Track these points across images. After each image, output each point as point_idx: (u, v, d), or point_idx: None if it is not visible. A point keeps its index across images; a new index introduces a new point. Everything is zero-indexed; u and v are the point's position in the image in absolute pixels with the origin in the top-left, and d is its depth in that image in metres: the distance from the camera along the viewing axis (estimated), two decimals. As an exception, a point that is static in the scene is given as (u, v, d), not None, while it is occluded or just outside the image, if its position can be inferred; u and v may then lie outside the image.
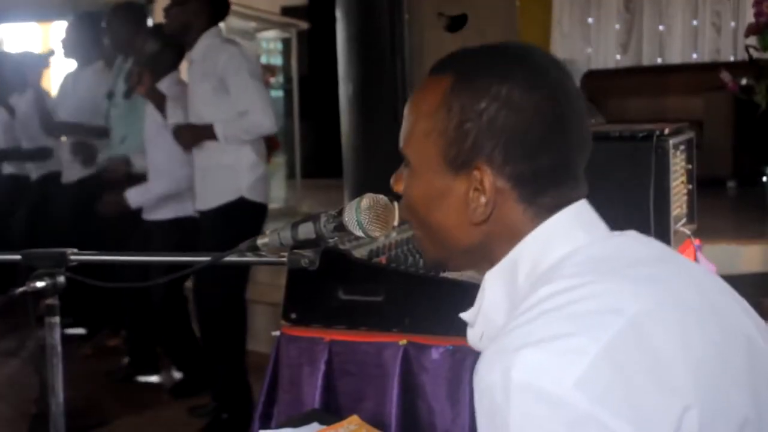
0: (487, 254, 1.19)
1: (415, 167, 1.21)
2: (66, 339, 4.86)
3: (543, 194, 1.15)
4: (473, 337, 1.24)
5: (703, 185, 2.80)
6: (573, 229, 1.15)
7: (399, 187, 1.25)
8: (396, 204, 1.54)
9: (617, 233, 1.19)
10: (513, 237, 1.16)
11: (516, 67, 1.15)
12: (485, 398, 1.01)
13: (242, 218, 4.00)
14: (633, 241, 1.19)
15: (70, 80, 5.69)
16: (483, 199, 1.15)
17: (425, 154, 1.18)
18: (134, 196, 4.50)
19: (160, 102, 4.31)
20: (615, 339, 1.00)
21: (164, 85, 4.39)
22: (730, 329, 1.11)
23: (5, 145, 6.35)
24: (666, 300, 1.07)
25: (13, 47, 7.35)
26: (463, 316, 1.25)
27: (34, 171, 6.26)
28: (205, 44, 4.02)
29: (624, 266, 1.11)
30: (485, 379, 1.02)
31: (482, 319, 1.21)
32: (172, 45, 4.40)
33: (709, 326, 1.09)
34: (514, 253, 1.16)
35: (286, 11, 9.44)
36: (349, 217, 1.42)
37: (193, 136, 4.04)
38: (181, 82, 4.42)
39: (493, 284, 1.19)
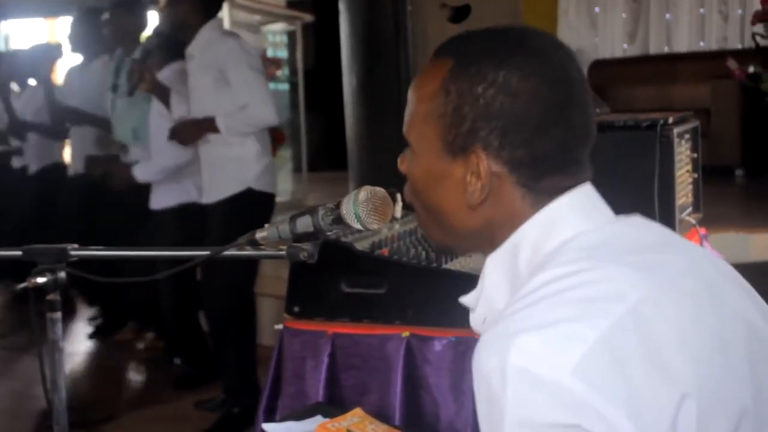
0: (490, 239, 1.18)
1: (416, 150, 1.21)
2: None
3: (543, 180, 1.14)
4: (476, 321, 1.23)
5: (711, 174, 2.79)
6: (575, 213, 1.14)
7: (403, 167, 1.25)
8: (399, 195, 1.53)
9: (621, 217, 1.18)
10: (513, 222, 1.15)
11: (515, 52, 1.14)
12: (483, 384, 1.01)
13: (251, 209, 4.00)
14: (636, 226, 1.18)
15: (77, 74, 5.69)
16: (479, 183, 1.14)
17: (425, 137, 1.19)
18: (140, 171, 4.54)
19: (164, 96, 4.32)
20: (614, 326, 0.99)
21: (164, 75, 4.39)
22: (730, 316, 1.10)
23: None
24: (666, 287, 1.06)
25: (20, 42, 7.37)
26: (464, 300, 1.24)
27: (34, 163, 6.27)
28: (204, 38, 4.02)
29: (625, 252, 1.10)
30: (483, 364, 1.01)
31: (484, 303, 1.20)
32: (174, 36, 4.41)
33: (709, 314, 1.08)
34: (515, 236, 1.15)
35: (292, 4, 9.43)
36: (347, 210, 1.41)
37: (194, 131, 4.04)
38: (184, 72, 4.40)
39: (494, 268, 1.18)
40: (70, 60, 6.05)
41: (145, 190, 4.65)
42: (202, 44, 4.01)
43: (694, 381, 1.00)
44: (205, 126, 3.97)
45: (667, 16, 8.59)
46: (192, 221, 4.37)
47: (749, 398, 1.06)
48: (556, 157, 1.14)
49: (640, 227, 1.18)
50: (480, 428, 1.03)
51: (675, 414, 0.98)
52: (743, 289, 1.17)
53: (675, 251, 1.15)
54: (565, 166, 1.15)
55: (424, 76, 1.20)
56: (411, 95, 1.22)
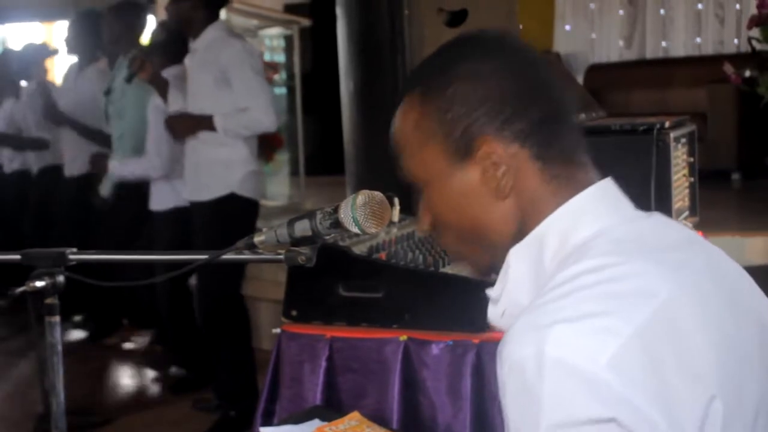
0: (523, 234, 1.18)
1: (427, 182, 1.22)
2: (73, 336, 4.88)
3: (550, 146, 1.17)
4: (495, 314, 1.22)
5: (708, 178, 2.79)
6: (602, 206, 1.16)
7: (427, 219, 1.24)
8: (396, 200, 1.54)
9: (643, 214, 1.19)
10: (538, 206, 1.16)
11: (463, 48, 1.21)
12: (515, 373, 1.00)
13: (233, 214, 3.99)
14: (658, 223, 1.19)
15: (72, 75, 5.68)
16: (500, 170, 1.16)
17: (429, 163, 1.20)
18: (116, 166, 4.63)
19: (162, 88, 4.32)
20: (647, 323, 1.00)
21: (168, 74, 4.40)
22: (747, 316, 1.12)
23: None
24: (690, 287, 1.07)
25: (16, 46, 7.39)
26: (489, 292, 1.24)
27: (34, 164, 6.28)
28: (210, 36, 4.03)
29: (651, 249, 1.11)
30: (515, 353, 1.00)
31: (506, 296, 1.20)
32: (177, 38, 4.42)
33: (728, 314, 1.09)
34: (541, 228, 1.16)
35: (289, 8, 9.43)
36: (345, 214, 1.41)
37: (189, 125, 4.03)
38: (185, 74, 4.41)
39: (518, 261, 1.18)
40: (66, 61, 6.05)
41: (143, 191, 4.66)
42: (206, 42, 4.02)
43: (719, 382, 1.01)
44: (202, 123, 3.97)
45: (664, 19, 8.60)
46: (184, 224, 4.38)
47: (763, 396, 1.08)
48: (550, 119, 1.18)
49: (662, 225, 1.19)
50: (508, 417, 1.02)
51: (704, 414, 0.99)
52: (753, 288, 1.19)
53: (695, 250, 1.17)
54: (562, 127, 1.19)
55: (401, 115, 1.24)
56: (396, 141, 1.24)
